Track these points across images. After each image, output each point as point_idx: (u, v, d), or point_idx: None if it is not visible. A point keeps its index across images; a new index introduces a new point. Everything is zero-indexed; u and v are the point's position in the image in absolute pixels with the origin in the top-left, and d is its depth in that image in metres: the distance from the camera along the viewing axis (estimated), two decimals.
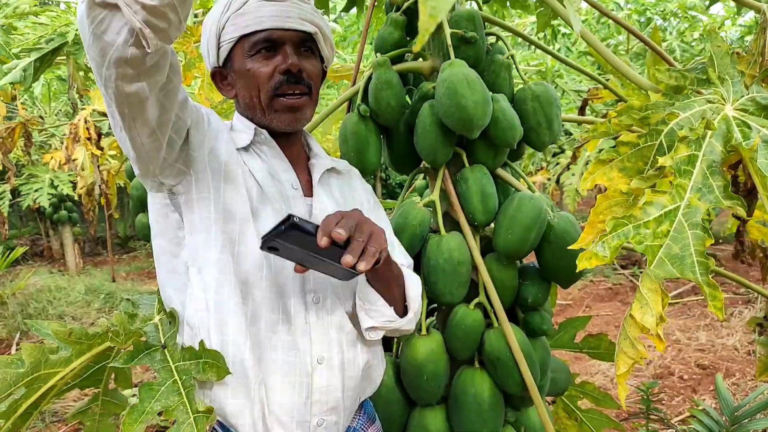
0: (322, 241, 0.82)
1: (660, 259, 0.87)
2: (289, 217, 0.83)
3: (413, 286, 1.09)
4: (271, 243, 0.83)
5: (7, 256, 5.22)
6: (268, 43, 0.99)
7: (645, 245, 0.87)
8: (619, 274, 5.97)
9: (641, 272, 1.19)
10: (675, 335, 4.22)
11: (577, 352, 1.74)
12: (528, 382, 1.32)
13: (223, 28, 1.00)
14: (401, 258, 1.18)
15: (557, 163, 5.23)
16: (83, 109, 3.09)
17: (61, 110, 6.45)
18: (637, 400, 3.00)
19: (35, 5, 2.91)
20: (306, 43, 1.02)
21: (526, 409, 1.49)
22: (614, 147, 0.98)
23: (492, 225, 1.44)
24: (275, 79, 0.99)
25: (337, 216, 0.86)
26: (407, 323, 1.07)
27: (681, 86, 1.05)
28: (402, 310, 1.08)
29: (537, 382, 1.35)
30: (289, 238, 0.83)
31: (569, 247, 0.99)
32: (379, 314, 1.03)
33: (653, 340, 0.87)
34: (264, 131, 1.03)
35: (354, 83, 1.58)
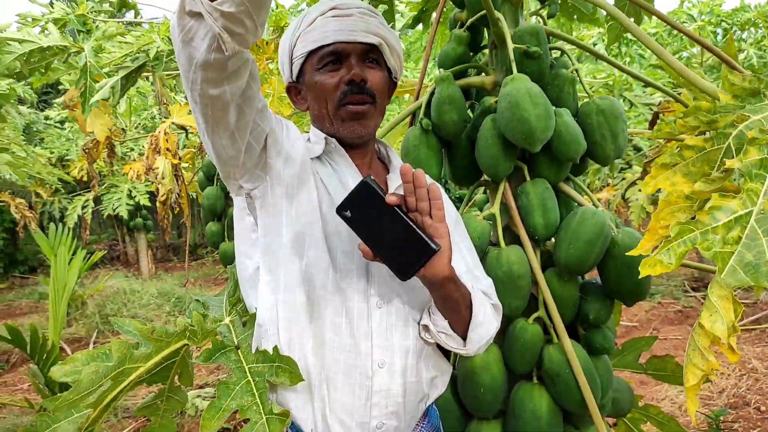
0: (391, 197, 0.87)
1: (732, 267, 0.81)
2: (365, 178, 0.89)
3: (480, 312, 1.04)
4: (345, 209, 0.89)
5: (87, 259, 5.60)
6: (333, 56, 1.04)
7: (714, 252, 0.81)
8: (690, 296, 5.64)
9: None
10: (752, 363, 3.96)
11: (642, 374, 1.68)
12: (588, 399, 1.30)
13: (294, 46, 1.08)
14: (482, 283, 1.14)
15: (623, 179, 5.05)
16: (164, 121, 3.30)
17: (140, 124, 6.87)
18: (706, 429, 2.84)
19: (122, 28, 3.15)
20: (371, 54, 1.07)
21: (586, 428, 1.46)
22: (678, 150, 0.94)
23: (553, 239, 1.43)
24: (340, 90, 1.04)
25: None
26: (464, 350, 1.05)
27: (755, 89, 1.00)
28: (465, 334, 1.05)
29: (597, 400, 1.32)
30: (361, 200, 0.89)
31: (628, 253, 0.96)
32: (443, 335, 1.03)
33: (725, 350, 0.80)
34: (333, 140, 1.09)
35: (417, 98, 1.62)
